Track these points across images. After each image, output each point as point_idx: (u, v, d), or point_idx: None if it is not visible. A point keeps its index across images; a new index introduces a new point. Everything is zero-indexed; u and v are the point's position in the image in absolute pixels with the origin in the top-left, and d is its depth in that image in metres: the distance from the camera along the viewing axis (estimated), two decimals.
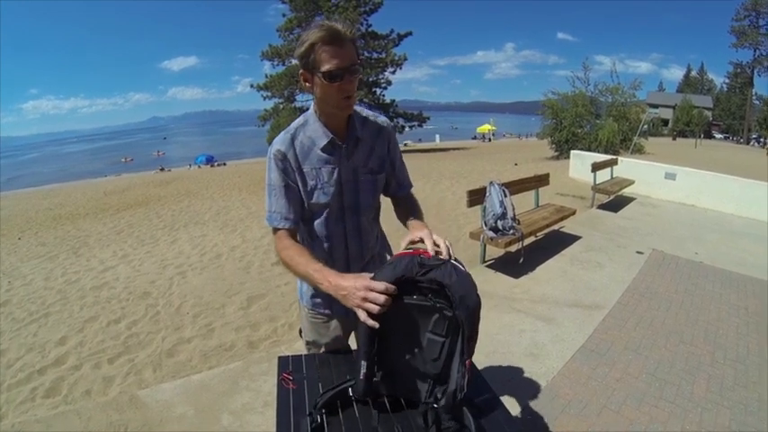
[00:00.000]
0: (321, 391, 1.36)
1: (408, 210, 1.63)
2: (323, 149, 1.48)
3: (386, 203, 1.71)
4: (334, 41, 1.30)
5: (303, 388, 1.43)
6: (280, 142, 1.49)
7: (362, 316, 1.16)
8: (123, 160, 47.86)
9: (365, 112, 1.59)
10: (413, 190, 1.76)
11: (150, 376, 3.21)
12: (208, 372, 3.19)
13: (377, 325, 1.16)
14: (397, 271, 1.16)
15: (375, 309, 1.14)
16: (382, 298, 1.14)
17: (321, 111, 1.47)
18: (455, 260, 1.21)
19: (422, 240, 1.29)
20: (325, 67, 1.31)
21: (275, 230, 1.52)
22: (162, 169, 29.19)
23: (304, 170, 1.49)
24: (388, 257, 1.65)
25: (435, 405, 1.23)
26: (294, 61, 28.75)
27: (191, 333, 3.82)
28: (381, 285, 1.15)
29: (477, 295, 1.16)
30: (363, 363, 1.24)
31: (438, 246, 1.25)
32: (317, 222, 1.57)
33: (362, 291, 1.17)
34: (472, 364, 1.25)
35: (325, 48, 1.30)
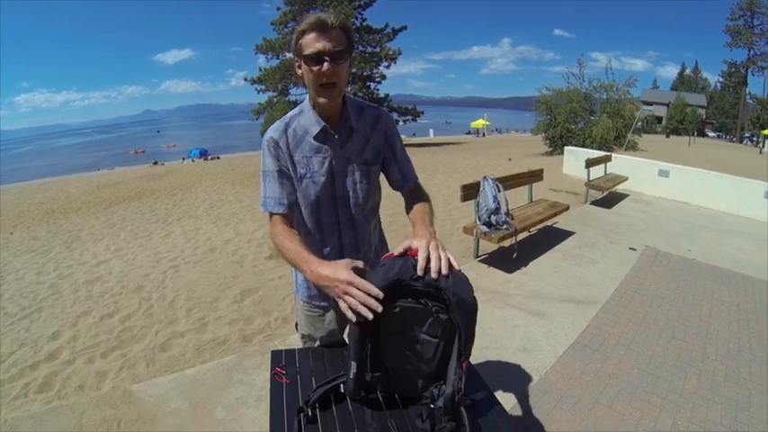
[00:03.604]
0: (314, 386, 1.36)
1: (415, 209, 1.55)
2: (315, 138, 1.49)
3: (384, 196, 1.69)
4: (319, 28, 1.34)
5: (296, 382, 1.43)
6: (273, 129, 1.52)
7: (343, 307, 1.14)
8: (133, 152, 46.31)
9: (363, 103, 1.59)
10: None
11: (144, 371, 3.20)
12: (201, 366, 3.18)
13: (354, 318, 1.13)
14: (390, 274, 1.14)
15: (354, 303, 1.12)
16: (362, 295, 1.11)
17: (314, 100, 1.47)
18: (450, 265, 1.16)
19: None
20: (307, 51, 1.35)
21: (271, 216, 1.53)
22: (155, 163, 29.02)
23: (295, 158, 1.50)
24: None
25: (432, 405, 1.21)
26: (288, 55, 28.68)
27: (184, 327, 3.81)
28: (363, 283, 1.12)
29: (474, 297, 1.15)
30: (353, 363, 1.23)
31: (429, 261, 1.15)
32: (308, 212, 1.56)
33: (343, 285, 1.15)
34: (469, 364, 1.25)
35: (311, 33, 1.35)
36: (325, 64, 1.34)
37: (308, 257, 1.31)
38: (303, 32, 1.36)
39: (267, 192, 1.51)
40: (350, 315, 1.13)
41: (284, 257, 1.43)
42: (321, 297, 1.69)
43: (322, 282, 1.22)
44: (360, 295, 1.11)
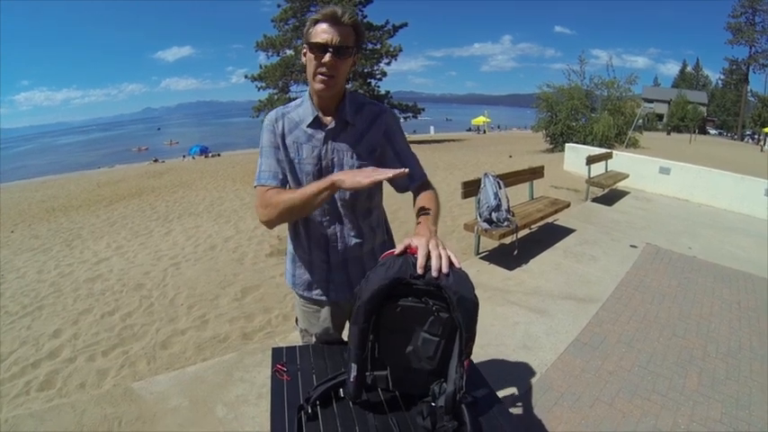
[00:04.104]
0: (315, 383, 1.36)
1: (420, 208, 1.50)
2: (308, 126, 1.51)
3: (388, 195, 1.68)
4: (331, 20, 1.38)
5: (297, 380, 1.43)
6: (272, 113, 1.57)
7: (375, 177, 1.28)
8: (136, 150, 46.34)
9: (366, 99, 1.59)
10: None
11: (145, 368, 3.20)
12: (202, 363, 3.19)
13: (389, 175, 1.29)
14: (390, 273, 1.13)
15: (384, 172, 1.30)
16: (388, 170, 1.30)
17: (312, 90, 1.50)
18: (450, 263, 1.16)
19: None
20: (313, 39, 1.38)
21: (259, 189, 1.53)
22: (156, 160, 28.99)
23: (287, 142, 1.53)
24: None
25: (433, 403, 1.21)
26: (288, 52, 28.54)
27: (185, 325, 3.81)
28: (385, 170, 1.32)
29: (475, 295, 1.14)
30: (354, 366, 1.23)
31: (430, 259, 1.15)
32: None
33: (368, 170, 1.33)
34: (471, 362, 1.25)
35: (322, 24, 1.39)
36: (328, 55, 1.37)
37: (317, 180, 1.40)
38: (316, 21, 1.40)
39: (263, 165, 1.55)
40: (381, 177, 1.29)
41: (289, 206, 1.44)
42: (307, 286, 1.71)
43: (348, 175, 1.32)
44: (385, 170, 1.31)
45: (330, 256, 1.63)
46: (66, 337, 3.70)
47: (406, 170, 1.30)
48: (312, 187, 1.38)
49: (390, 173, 1.29)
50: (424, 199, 1.54)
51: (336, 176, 1.33)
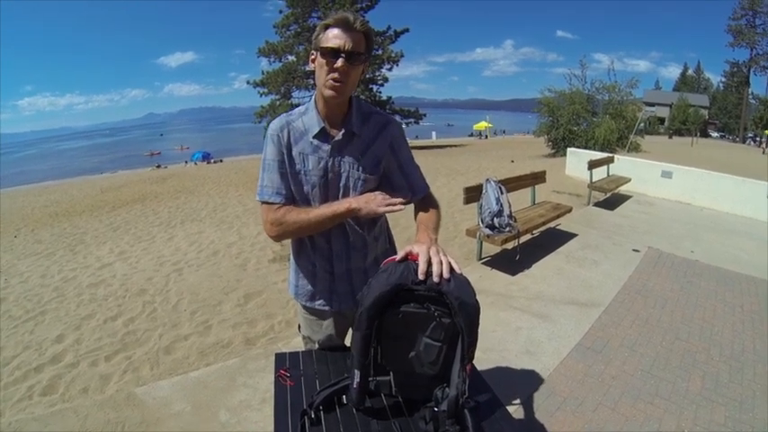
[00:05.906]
0: (318, 389, 1.36)
1: (421, 217, 1.54)
2: (315, 137, 1.49)
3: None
4: (343, 25, 1.37)
5: (300, 385, 1.44)
6: (276, 122, 1.54)
7: (387, 209, 1.39)
8: (148, 154, 47.35)
9: (372, 109, 1.58)
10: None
11: (147, 373, 3.20)
12: (205, 369, 3.19)
13: (404, 207, 1.40)
14: (392, 279, 1.14)
15: (391, 200, 1.40)
16: (391, 198, 1.41)
17: (318, 97, 1.48)
18: (451, 269, 1.17)
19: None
20: (325, 44, 1.37)
21: (265, 205, 1.52)
22: (158, 166, 29.09)
23: (292, 153, 1.50)
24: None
25: (436, 408, 1.21)
26: (290, 58, 28.55)
27: (188, 330, 3.82)
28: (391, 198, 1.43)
29: (477, 301, 1.14)
30: (357, 372, 1.23)
31: (431, 265, 1.16)
32: None
33: (379, 197, 1.41)
34: (473, 367, 1.25)
35: (334, 29, 1.38)
36: (340, 60, 1.35)
37: (332, 204, 1.47)
38: (327, 26, 1.39)
39: (265, 180, 1.52)
40: (398, 207, 1.39)
41: (301, 225, 1.47)
42: (311, 296, 1.71)
43: (362, 202, 1.42)
44: (389, 198, 1.41)
45: (334, 266, 1.62)
46: (68, 342, 3.71)
47: (405, 198, 1.46)
48: (327, 211, 1.42)
49: (399, 201, 1.40)
50: (426, 211, 1.56)
51: (352, 204, 1.41)
